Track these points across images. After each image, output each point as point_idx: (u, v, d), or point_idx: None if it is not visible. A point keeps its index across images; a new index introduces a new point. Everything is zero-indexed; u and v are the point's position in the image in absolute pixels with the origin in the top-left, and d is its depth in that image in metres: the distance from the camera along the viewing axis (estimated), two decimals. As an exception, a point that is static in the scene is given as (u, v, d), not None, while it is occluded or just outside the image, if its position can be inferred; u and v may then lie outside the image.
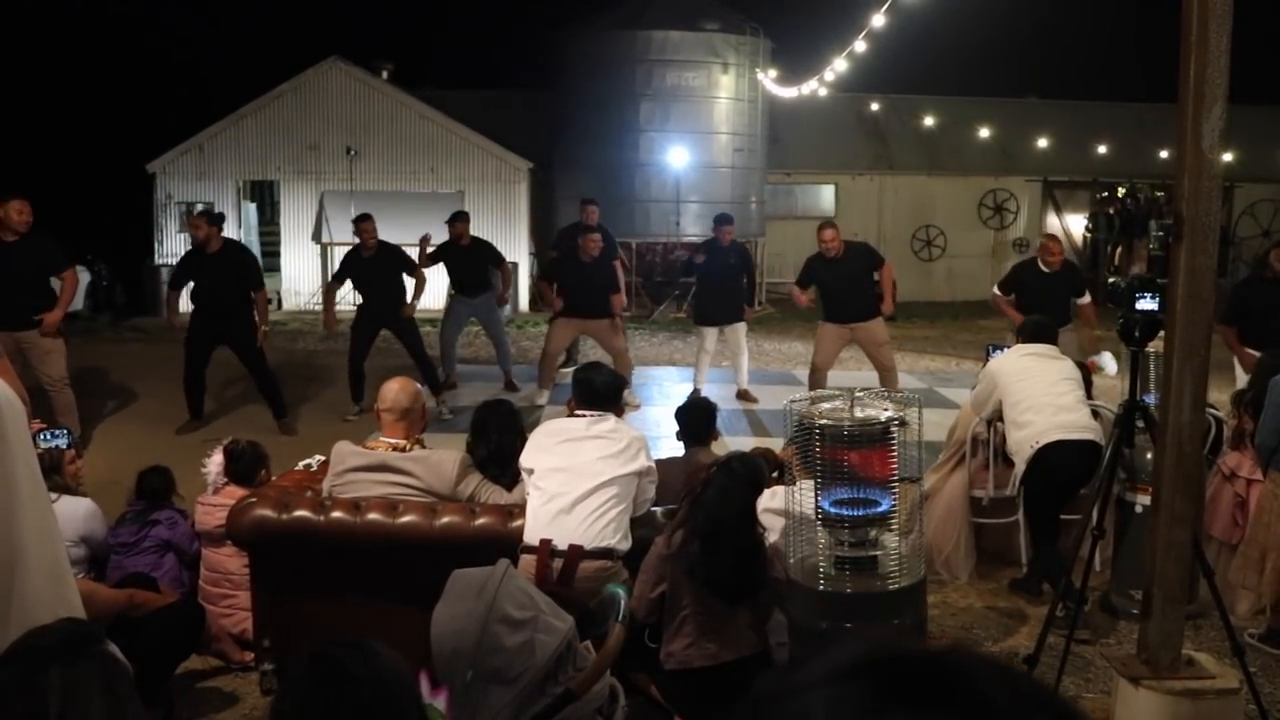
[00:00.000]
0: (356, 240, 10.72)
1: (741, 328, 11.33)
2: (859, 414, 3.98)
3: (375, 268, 10.47)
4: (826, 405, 4.07)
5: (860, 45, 12.20)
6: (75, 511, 5.38)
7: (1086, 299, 9.87)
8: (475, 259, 11.50)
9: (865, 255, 10.44)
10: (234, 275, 9.69)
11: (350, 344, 10.62)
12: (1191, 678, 4.08)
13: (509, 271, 12.28)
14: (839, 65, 13.71)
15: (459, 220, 11.51)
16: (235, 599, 5.28)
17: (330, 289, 10.96)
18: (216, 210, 14.58)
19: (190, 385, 9.87)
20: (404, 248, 10.85)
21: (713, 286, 11.26)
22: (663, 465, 5.17)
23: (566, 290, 10.84)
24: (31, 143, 27.66)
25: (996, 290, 10.06)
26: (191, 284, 9.76)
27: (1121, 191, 22.99)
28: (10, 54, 28.88)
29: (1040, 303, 9.11)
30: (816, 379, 10.34)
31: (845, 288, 10.17)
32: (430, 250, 11.22)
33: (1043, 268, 9.58)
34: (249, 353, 9.79)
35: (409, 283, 10.63)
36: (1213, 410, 6.64)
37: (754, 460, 4.45)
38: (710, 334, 11.30)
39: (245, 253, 10.18)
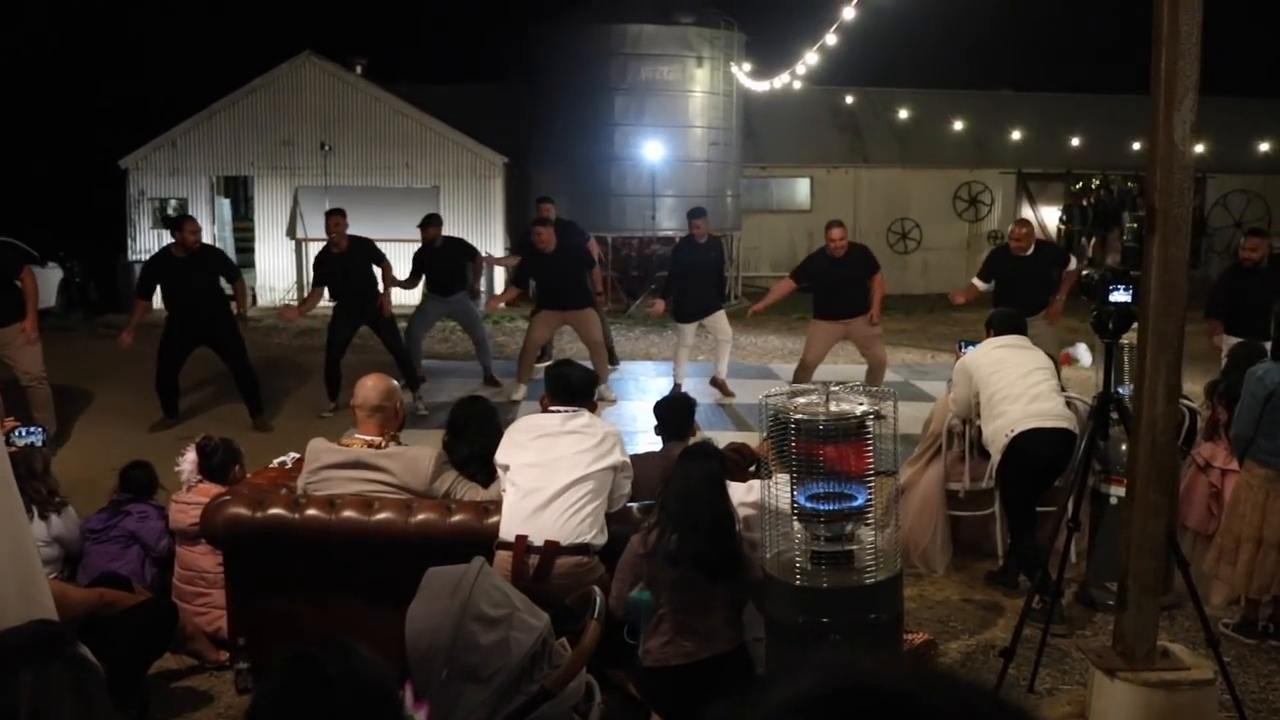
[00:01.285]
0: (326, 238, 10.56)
1: (722, 316, 11.33)
2: (834, 408, 3.98)
3: (348, 264, 10.32)
4: (802, 400, 4.06)
5: (831, 39, 12.20)
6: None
7: (1071, 265, 9.98)
8: (448, 257, 11.39)
9: (865, 258, 10.46)
10: (214, 272, 9.79)
11: (327, 343, 10.50)
12: (1166, 669, 4.10)
13: (481, 264, 12.27)
14: (810, 58, 13.70)
15: (431, 224, 11.39)
16: (209, 597, 5.25)
17: (313, 296, 10.72)
18: (189, 210, 14.46)
19: (163, 387, 9.82)
20: (377, 242, 10.77)
21: (689, 282, 11.24)
22: (640, 460, 5.17)
23: (538, 285, 10.91)
24: (2, 139, 27.43)
25: (977, 282, 10.06)
26: (162, 288, 9.69)
27: (1095, 183, 23.08)
28: (-20, 49, 28.62)
29: (1016, 289, 9.15)
30: (803, 375, 10.33)
31: (844, 286, 10.22)
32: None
33: (1015, 252, 9.65)
34: (234, 351, 9.80)
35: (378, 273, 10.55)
36: (1187, 401, 6.67)
37: (711, 443, 4.50)
38: (689, 330, 11.31)
39: (216, 249, 10.26)
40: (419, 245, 11.42)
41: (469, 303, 11.68)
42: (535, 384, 10.55)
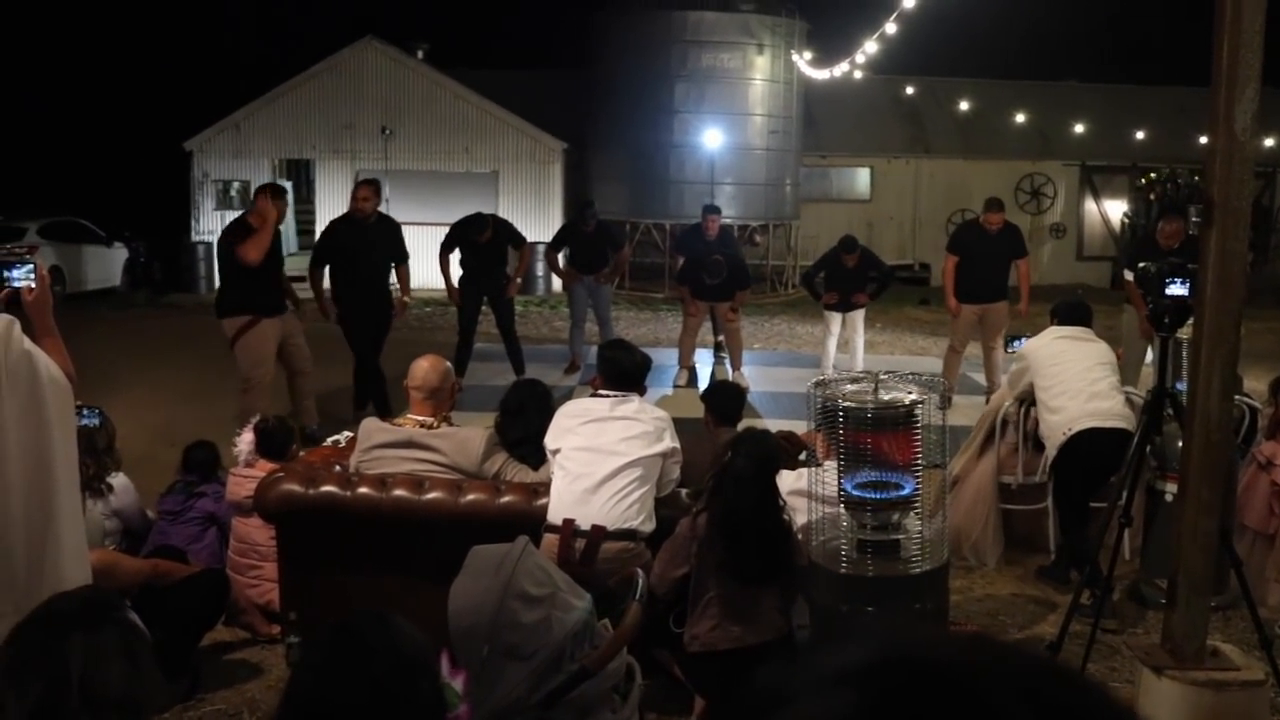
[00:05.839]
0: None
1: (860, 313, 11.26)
2: (883, 397, 3.97)
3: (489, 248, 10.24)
4: (851, 388, 4.05)
5: (891, 27, 12.11)
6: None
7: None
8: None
9: (1014, 238, 10.31)
10: (392, 245, 9.34)
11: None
12: (1216, 669, 4.04)
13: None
14: (870, 47, 13.63)
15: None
16: (262, 570, 5.32)
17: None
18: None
19: (363, 373, 9.22)
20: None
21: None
22: (690, 443, 5.16)
23: (696, 278, 10.96)
24: (72, 121, 27.91)
25: (1128, 274, 9.02)
26: (336, 259, 9.13)
27: (1160, 176, 22.72)
28: (52, 34, 29.12)
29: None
30: (954, 360, 10.34)
31: (991, 264, 10.07)
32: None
33: (1162, 246, 9.21)
34: (380, 339, 9.34)
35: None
36: (1247, 398, 6.56)
37: (765, 437, 4.35)
38: (835, 319, 11.32)
39: (394, 220, 9.82)
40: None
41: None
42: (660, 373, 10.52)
